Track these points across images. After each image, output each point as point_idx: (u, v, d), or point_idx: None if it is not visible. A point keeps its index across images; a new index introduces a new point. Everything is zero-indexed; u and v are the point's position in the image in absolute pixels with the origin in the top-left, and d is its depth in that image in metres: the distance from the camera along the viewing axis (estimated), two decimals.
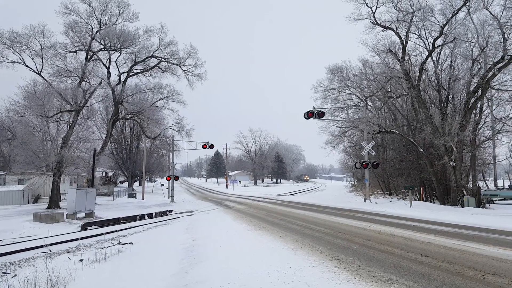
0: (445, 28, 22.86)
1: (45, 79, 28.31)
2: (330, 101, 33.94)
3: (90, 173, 30.93)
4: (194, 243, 11.35)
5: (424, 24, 23.98)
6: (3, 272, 8.71)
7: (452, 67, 24.70)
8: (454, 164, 22.58)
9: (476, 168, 26.78)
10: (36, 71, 28.14)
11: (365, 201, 28.03)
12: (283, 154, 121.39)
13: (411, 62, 27.29)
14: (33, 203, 34.53)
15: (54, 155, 27.00)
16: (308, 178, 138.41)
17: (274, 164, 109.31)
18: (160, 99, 35.95)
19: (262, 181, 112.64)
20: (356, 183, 60.84)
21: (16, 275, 8.20)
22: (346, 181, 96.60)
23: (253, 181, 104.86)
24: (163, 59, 33.52)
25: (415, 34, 24.79)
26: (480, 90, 22.41)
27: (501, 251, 8.49)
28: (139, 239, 13.45)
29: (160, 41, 32.41)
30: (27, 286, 6.38)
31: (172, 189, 37.92)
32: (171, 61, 33.71)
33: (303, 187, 78.16)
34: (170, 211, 25.81)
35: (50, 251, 11.23)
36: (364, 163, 26.96)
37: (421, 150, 25.14)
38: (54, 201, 28.04)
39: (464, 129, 22.59)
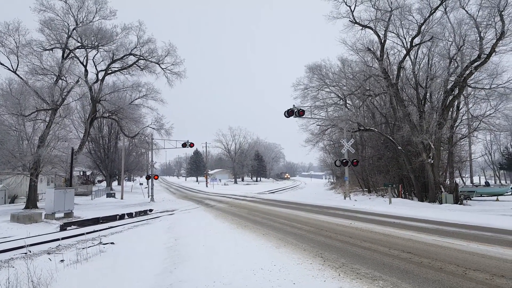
0: (423, 27, 23.25)
1: (20, 77, 27.61)
2: (310, 100, 34.11)
3: (68, 172, 30.19)
4: (176, 243, 11.14)
5: (402, 23, 24.34)
6: None
7: (429, 66, 25.17)
8: (432, 161, 23.03)
9: (453, 165, 27.49)
10: (12, 69, 27.41)
11: (345, 199, 28.29)
12: (262, 152, 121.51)
13: (389, 61, 27.69)
14: (9, 203, 33.81)
15: (31, 154, 26.39)
16: (289, 176, 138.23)
17: (254, 162, 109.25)
18: (138, 98, 35.38)
19: (242, 180, 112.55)
20: (335, 180, 61.47)
21: None
22: (326, 179, 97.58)
23: (233, 180, 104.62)
24: (141, 57, 32.97)
25: (393, 32, 25.15)
26: (457, 88, 22.95)
27: (481, 247, 8.62)
28: (120, 239, 13.18)
29: (138, 39, 31.88)
30: None
31: (152, 188, 37.31)
32: (150, 59, 33.23)
33: (283, 185, 78.45)
34: (151, 210, 25.39)
35: (30, 252, 10.93)
36: (344, 160, 27.18)
37: (399, 147, 25.54)
38: (32, 201, 27.46)
39: (441, 127, 23.09)
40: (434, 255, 7.93)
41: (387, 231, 11.52)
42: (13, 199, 34.80)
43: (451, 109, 24.81)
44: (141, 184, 55.38)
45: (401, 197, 26.84)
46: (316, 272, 6.87)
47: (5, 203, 33.03)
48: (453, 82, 23.10)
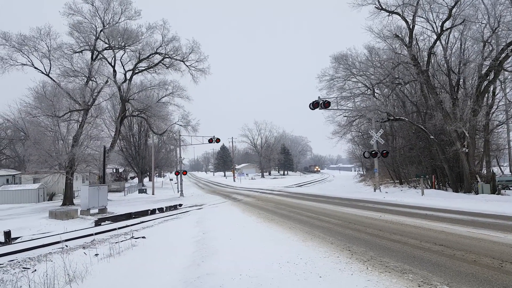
0: (454, 10, 22.18)
1: (53, 80, 28.93)
2: (336, 90, 33.42)
3: (101, 170, 31.42)
4: (204, 236, 11.26)
5: (432, 6, 23.33)
6: (23, 268, 9.02)
7: (462, 50, 24.03)
8: (466, 150, 22.09)
9: (490, 154, 26.21)
10: (45, 72, 28.80)
11: (375, 191, 27.66)
12: (289, 146, 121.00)
13: (419, 47, 26.65)
14: (48, 200, 35.52)
15: (66, 153, 27.63)
16: (319, 169, 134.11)
17: (280, 156, 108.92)
18: (165, 95, 36.19)
19: (269, 174, 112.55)
20: (365, 172, 60.41)
21: (35, 270, 8.45)
22: (355, 171, 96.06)
23: (260, 174, 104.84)
24: (166, 55, 33.67)
25: (422, 17, 24.21)
26: (493, 73, 21.78)
27: None
28: (151, 233, 13.56)
29: (163, 38, 32.60)
30: (46, 281, 6.46)
31: (181, 184, 38.03)
32: (175, 57, 33.91)
33: (311, 178, 77.85)
34: (180, 205, 25.96)
35: (67, 246, 11.52)
36: (373, 152, 26.56)
37: (432, 137, 24.65)
38: (68, 198, 28.83)
39: (476, 114, 22.05)
40: (468, 247, 7.58)
41: (418, 223, 11.14)
42: (51, 197, 36.55)
43: (486, 95, 23.63)
44: (171, 179, 56.65)
45: (435, 188, 25.97)
46: (343, 265, 6.72)
47: (44, 201, 34.78)
48: (488, 67, 21.95)
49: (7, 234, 14.17)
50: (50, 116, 27.46)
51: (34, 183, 36.63)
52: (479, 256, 6.83)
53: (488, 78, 22.16)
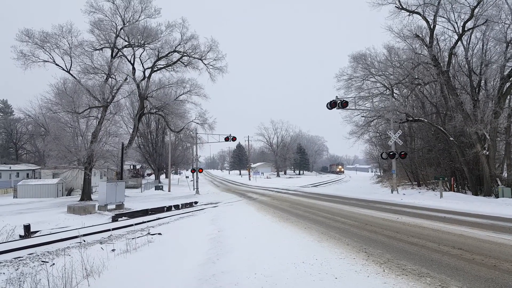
0: (476, 10, 21.69)
1: (74, 77, 29.43)
2: (354, 90, 33.14)
3: (119, 166, 31.96)
4: (219, 234, 11.38)
5: (453, 6, 22.88)
6: (42, 261, 9.22)
7: (484, 51, 23.50)
8: (487, 152, 21.61)
9: (511, 157, 25.57)
10: (66, 69, 29.33)
11: (392, 192, 27.33)
12: (305, 145, 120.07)
13: (439, 47, 26.16)
14: (66, 195, 36.21)
15: (85, 149, 28.10)
16: (342, 169, 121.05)
17: (296, 155, 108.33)
18: (183, 93, 36.59)
19: (285, 173, 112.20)
20: (382, 174, 59.55)
21: (54, 264, 8.68)
22: (372, 172, 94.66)
23: (276, 173, 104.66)
24: (185, 54, 33.96)
25: (443, 17, 23.74)
26: None
27: None
28: (167, 230, 13.78)
29: (182, 36, 32.90)
30: (64, 275, 6.61)
31: (197, 181, 38.33)
32: (193, 55, 34.16)
33: (327, 179, 77.26)
34: (196, 202, 26.17)
35: (84, 241, 11.74)
36: (391, 153, 26.20)
37: (451, 138, 24.19)
38: (86, 194, 29.28)
39: (497, 116, 21.55)
40: (488, 252, 7.48)
41: (436, 226, 11.01)
42: (69, 192, 37.31)
43: (508, 97, 23.04)
44: (187, 177, 57.07)
45: (453, 191, 25.45)
46: (359, 267, 6.73)
47: (62, 195, 35.52)
48: (510, 68, 21.44)
49: (27, 227, 14.58)
50: (70, 112, 27.95)
51: (53, 178, 37.44)
52: (499, 261, 6.74)
53: (510, 79, 21.63)
